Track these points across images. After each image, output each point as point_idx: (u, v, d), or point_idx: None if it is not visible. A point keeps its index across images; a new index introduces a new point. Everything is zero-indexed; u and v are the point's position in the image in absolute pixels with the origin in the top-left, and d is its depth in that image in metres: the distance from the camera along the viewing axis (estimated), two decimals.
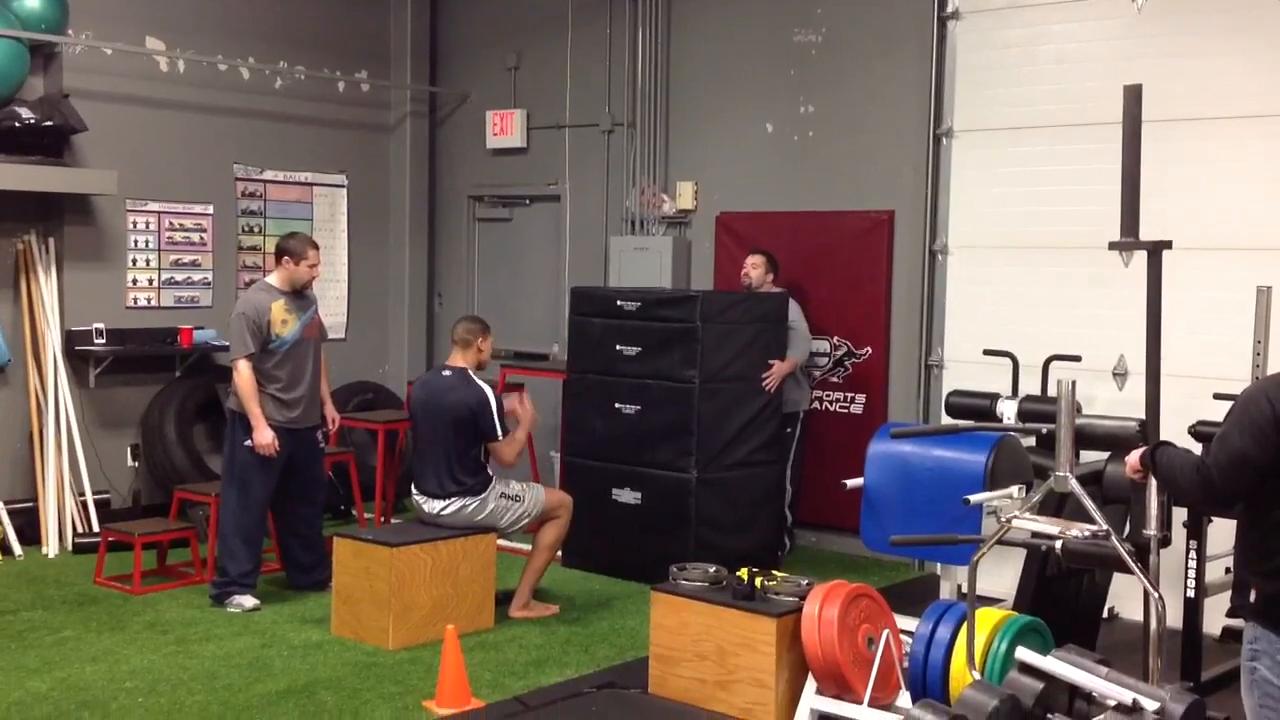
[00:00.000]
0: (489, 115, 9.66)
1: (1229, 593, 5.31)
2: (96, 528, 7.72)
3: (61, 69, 8.02)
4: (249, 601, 6.54)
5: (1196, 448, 4.91)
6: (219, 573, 6.64)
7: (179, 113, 8.61)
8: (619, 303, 7.39)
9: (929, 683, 4.73)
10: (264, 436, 6.46)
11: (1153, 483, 4.12)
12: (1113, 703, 3.46)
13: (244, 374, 6.49)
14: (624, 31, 8.95)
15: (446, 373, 6.48)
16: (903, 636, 5.04)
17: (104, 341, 8.11)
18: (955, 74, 7.52)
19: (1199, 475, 3.37)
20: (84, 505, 7.89)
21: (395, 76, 9.87)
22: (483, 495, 6.32)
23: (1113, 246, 4.25)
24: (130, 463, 8.34)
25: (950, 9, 7.51)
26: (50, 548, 7.64)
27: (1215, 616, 5.86)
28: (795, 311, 7.67)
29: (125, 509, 8.17)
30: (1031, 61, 7.20)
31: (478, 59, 9.86)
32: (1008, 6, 7.29)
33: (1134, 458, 3.71)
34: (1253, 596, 3.31)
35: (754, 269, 7.77)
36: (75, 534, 7.74)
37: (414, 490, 6.45)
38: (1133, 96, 4.19)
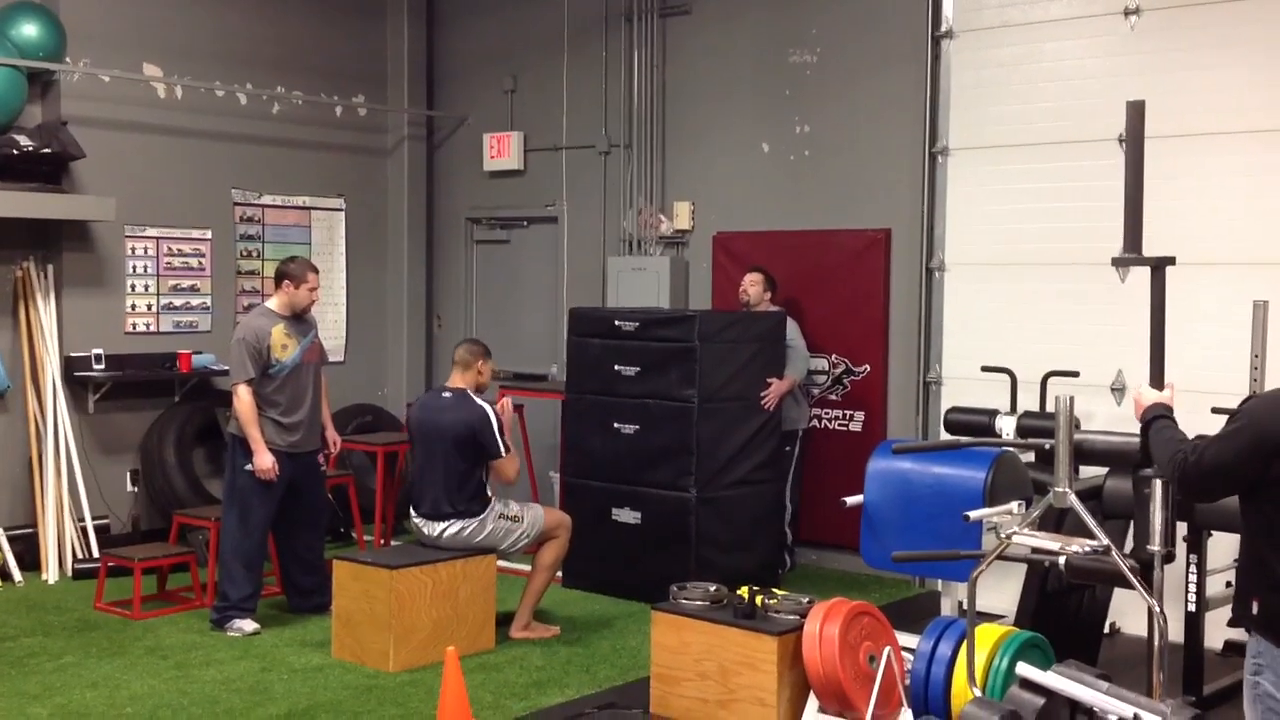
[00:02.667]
0: (486, 138, 9.69)
1: (1230, 605, 5.30)
2: (96, 553, 7.71)
3: (59, 96, 8.05)
4: (249, 626, 6.53)
5: None
6: (219, 597, 6.63)
7: (177, 139, 8.64)
8: (617, 323, 7.40)
9: (931, 699, 4.72)
10: (264, 461, 6.46)
11: (1156, 498, 4.13)
12: (1114, 717, 3.46)
13: (244, 399, 6.50)
14: (620, 53, 8.99)
15: (446, 394, 6.49)
16: (904, 653, 5.03)
17: (103, 367, 8.11)
18: (950, 92, 7.55)
19: (1180, 470, 3.38)
20: (83, 531, 7.88)
21: (392, 100, 9.91)
22: (481, 516, 6.32)
23: (1115, 263, 4.24)
24: (130, 488, 8.33)
25: (944, 28, 7.55)
26: (50, 574, 7.63)
27: (1216, 631, 5.86)
28: (793, 330, 7.69)
29: (125, 534, 8.15)
30: (1026, 79, 7.24)
31: (474, 82, 9.89)
32: (1001, 25, 7.33)
33: (1141, 406, 3.70)
34: (1255, 609, 3.31)
35: (752, 286, 7.79)
36: (75, 560, 7.73)
37: (413, 513, 6.45)
38: (1136, 112, 4.18)
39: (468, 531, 6.30)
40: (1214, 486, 3.38)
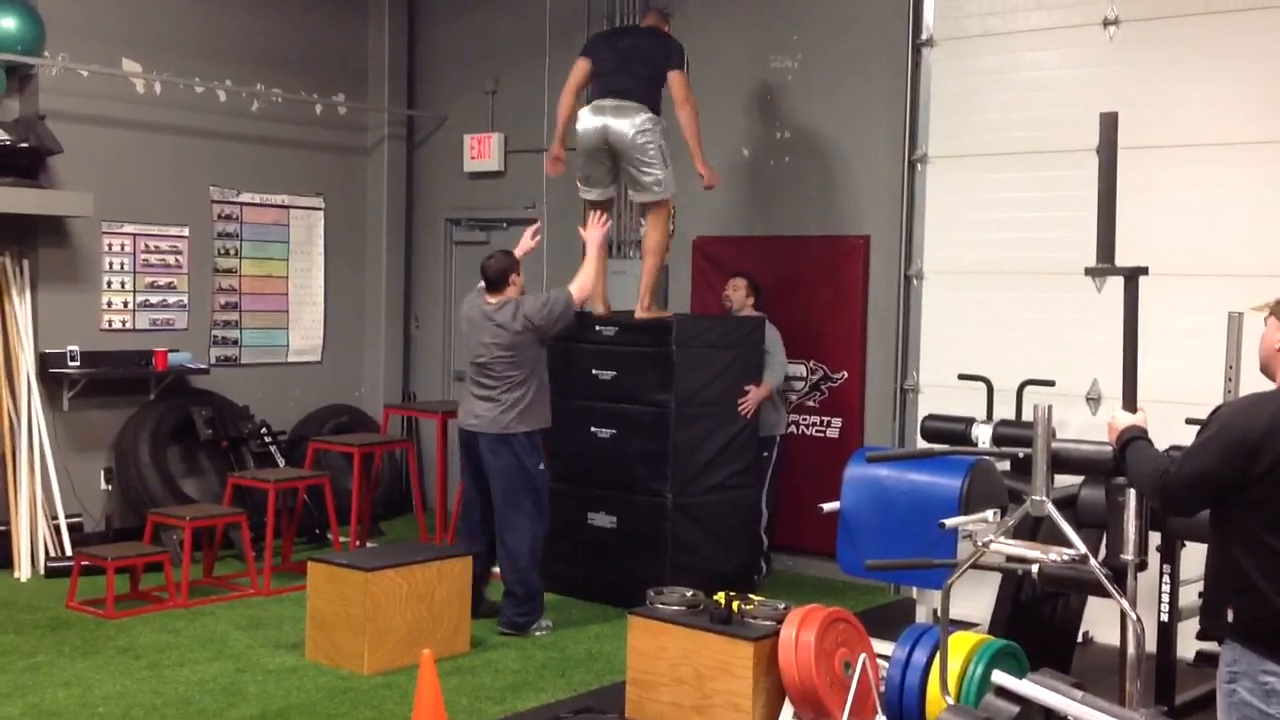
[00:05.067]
0: (466, 138, 9.68)
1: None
2: (69, 551, 7.66)
3: (38, 90, 7.99)
4: (549, 622, 6.69)
5: None
6: (523, 600, 6.59)
7: (155, 135, 8.59)
8: (596, 327, 7.39)
9: (905, 707, 4.74)
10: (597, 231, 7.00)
11: (1130, 507, 4.16)
12: None
13: (583, 289, 6.80)
14: None
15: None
16: (879, 660, 5.05)
17: (78, 364, 8.06)
18: (930, 100, 7.58)
19: (1160, 483, 3.42)
20: (56, 529, 7.83)
21: (373, 99, 9.88)
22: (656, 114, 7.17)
23: (1089, 272, 4.28)
24: (103, 486, 8.29)
25: (925, 36, 7.58)
26: (22, 571, 7.58)
27: (1189, 640, 5.89)
28: (772, 336, 7.70)
29: (98, 533, 8.11)
30: (1005, 89, 7.27)
31: (455, 82, 9.87)
32: (982, 34, 7.36)
33: (1114, 431, 3.73)
34: (1230, 616, 3.33)
35: (735, 291, 7.80)
36: (48, 558, 7.68)
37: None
38: (1109, 123, 4.22)
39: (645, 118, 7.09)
40: (1198, 496, 3.40)
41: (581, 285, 6.77)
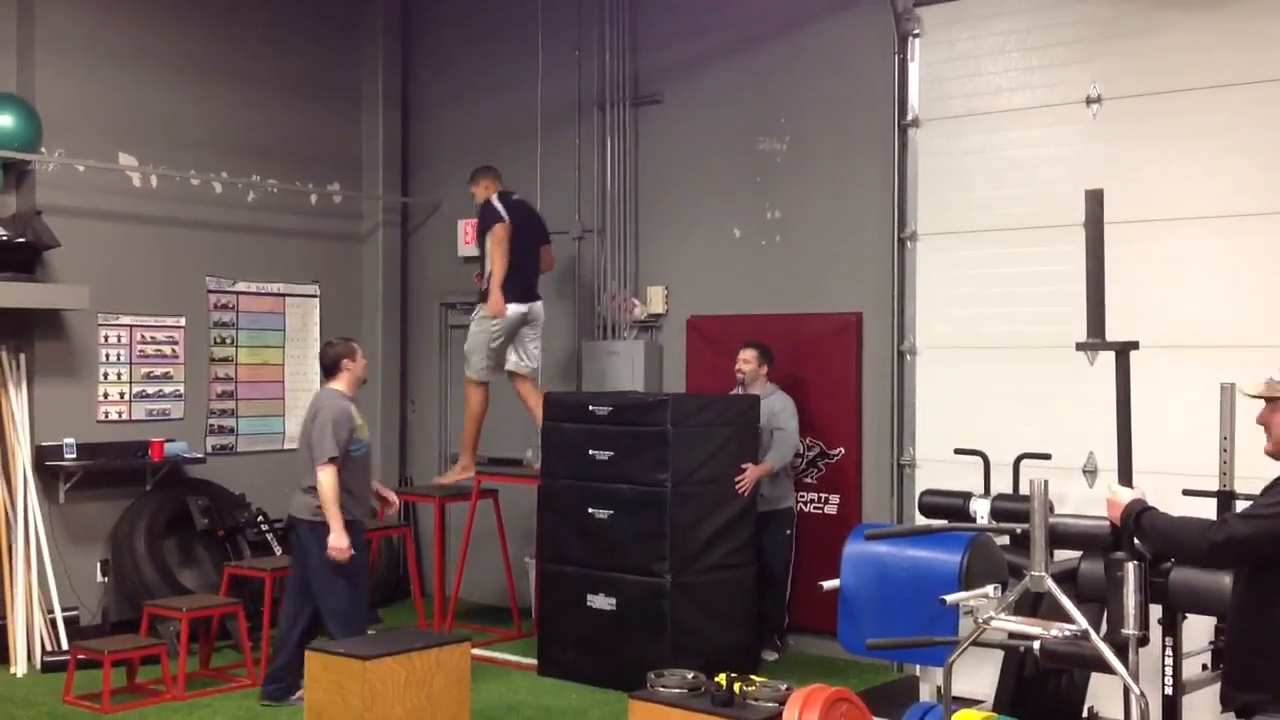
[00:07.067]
0: (460, 224, 9.76)
1: (1209, 689, 5.28)
2: (65, 645, 7.59)
3: (35, 186, 8.07)
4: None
5: None
6: (285, 673, 6.69)
7: (151, 227, 8.66)
8: (591, 408, 7.41)
9: None
10: (343, 540, 6.55)
11: (1130, 581, 4.15)
12: None
13: (333, 479, 6.57)
14: (593, 141, 9.09)
15: None
16: None
17: (74, 456, 8.05)
18: (917, 179, 7.67)
19: (1211, 530, 3.52)
20: (53, 622, 7.77)
21: (367, 187, 9.98)
22: None
23: (1080, 347, 4.31)
24: (100, 578, 8.23)
25: (910, 117, 7.69)
26: (18, 667, 7.51)
27: (1194, 714, 5.84)
28: (788, 408, 7.72)
29: (94, 626, 8.05)
30: (991, 166, 7.36)
31: (449, 169, 9.97)
32: (966, 114, 7.46)
33: (1117, 507, 3.75)
34: None
35: (746, 364, 7.80)
36: (44, 652, 7.61)
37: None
38: (1095, 200, 4.28)
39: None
40: (1250, 550, 3.53)
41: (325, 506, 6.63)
